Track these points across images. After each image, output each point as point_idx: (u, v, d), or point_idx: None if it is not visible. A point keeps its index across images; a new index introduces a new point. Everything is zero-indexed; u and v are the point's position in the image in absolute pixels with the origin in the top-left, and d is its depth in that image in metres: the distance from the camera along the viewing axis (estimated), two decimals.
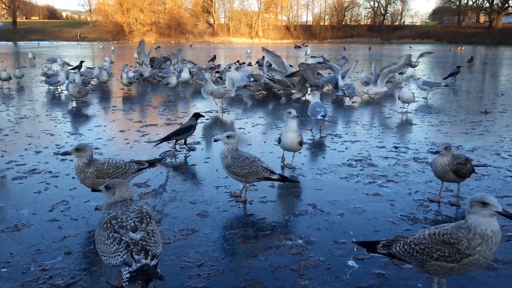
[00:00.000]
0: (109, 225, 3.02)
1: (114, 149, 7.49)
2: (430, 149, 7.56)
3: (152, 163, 5.14)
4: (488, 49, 59.02)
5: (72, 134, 8.61)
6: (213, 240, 4.20)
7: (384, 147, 7.76)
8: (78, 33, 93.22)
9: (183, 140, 7.49)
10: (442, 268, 3.01)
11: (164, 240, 4.15)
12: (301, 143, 6.29)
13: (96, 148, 7.45)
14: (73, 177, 5.87)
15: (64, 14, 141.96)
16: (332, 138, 8.37)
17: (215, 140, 5.10)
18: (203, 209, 4.92)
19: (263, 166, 4.93)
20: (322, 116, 8.49)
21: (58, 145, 7.68)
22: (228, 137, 4.93)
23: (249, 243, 4.15)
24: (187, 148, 7.43)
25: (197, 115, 7.71)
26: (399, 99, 11.25)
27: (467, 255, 2.90)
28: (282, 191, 5.54)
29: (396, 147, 7.68)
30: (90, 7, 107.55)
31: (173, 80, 14.31)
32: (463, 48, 58.44)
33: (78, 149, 4.59)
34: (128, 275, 2.76)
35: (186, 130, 7.26)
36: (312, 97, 9.16)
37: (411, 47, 61.76)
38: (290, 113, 6.16)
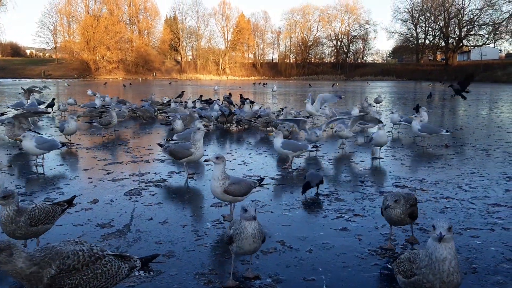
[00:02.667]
0: None
1: (77, 188, 7.25)
2: (381, 206, 7.69)
3: (70, 202, 4.88)
4: (446, 85, 61.69)
5: (32, 174, 8.31)
6: (178, 281, 4.06)
7: (350, 181, 7.85)
8: (43, 71, 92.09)
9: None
10: (401, 282, 3.40)
11: (128, 283, 3.98)
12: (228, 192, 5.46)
13: (58, 188, 7.20)
14: None
15: (28, 51, 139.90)
16: (300, 173, 8.42)
17: (205, 161, 5.35)
18: (169, 249, 4.78)
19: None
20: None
21: (18, 185, 7.39)
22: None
23: (216, 284, 4.04)
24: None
25: None
26: (371, 142, 9.90)
27: (414, 274, 3.22)
28: None
29: (362, 181, 7.78)
30: (56, 44, 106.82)
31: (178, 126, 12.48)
32: (443, 84, 60.11)
33: (5, 197, 4.07)
34: None
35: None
36: (275, 136, 9.04)
37: (369, 84, 64.05)
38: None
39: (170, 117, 14.01)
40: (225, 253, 4.67)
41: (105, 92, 29.96)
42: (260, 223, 3.95)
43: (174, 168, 8.79)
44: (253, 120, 14.33)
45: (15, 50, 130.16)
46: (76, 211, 6.03)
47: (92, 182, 7.68)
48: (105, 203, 6.42)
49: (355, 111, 14.42)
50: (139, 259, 3.49)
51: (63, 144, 9.38)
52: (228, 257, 4.56)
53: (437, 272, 3.06)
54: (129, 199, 6.61)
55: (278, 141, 8.82)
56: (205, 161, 5.17)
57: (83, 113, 16.42)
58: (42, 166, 8.83)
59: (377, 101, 24.64)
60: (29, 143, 8.60)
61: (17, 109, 15.88)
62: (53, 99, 20.90)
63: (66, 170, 8.68)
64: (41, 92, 26.72)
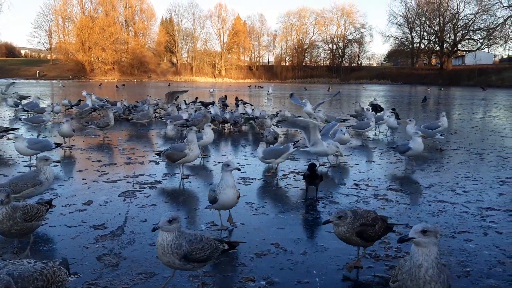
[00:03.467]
0: None
1: (71, 189, 7.22)
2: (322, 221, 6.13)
3: (49, 203, 5.00)
4: (440, 89, 62.10)
5: None
6: (173, 283, 4.05)
7: (345, 184, 7.87)
8: (37, 71, 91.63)
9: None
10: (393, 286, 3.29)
11: (121, 285, 3.97)
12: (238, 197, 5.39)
13: (52, 189, 7.16)
14: None
15: (23, 52, 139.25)
16: (294, 176, 8.42)
17: (154, 230, 3.59)
18: None
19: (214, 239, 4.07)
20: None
21: None
22: (170, 221, 3.59)
23: (210, 286, 4.03)
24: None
25: None
26: (406, 152, 9.14)
27: (396, 280, 3.18)
28: (245, 231, 5.46)
29: (356, 184, 7.80)
30: (51, 45, 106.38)
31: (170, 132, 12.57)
32: (443, 89, 60.07)
33: (8, 195, 4.23)
34: None
35: None
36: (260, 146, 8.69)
37: (364, 87, 64.35)
38: (228, 165, 5.17)
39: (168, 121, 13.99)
40: (219, 256, 4.66)
41: (100, 94, 29.87)
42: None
43: (169, 170, 8.77)
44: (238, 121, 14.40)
45: (10, 51, 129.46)
46: (69, 212, 6.00)
47: (86, 183, 7.64)
48: (99, 205, 6.39)
49: (307, 107, 15.56)
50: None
51: (57, 145, 9.33)
52: (222, 260, 4.55)
53: (414, 279, 2.94)
54: (124, 201, 6.59)
55: (259, 151, 8.55)
56: (154, 230, 3.59)
57: (75, 114, 16.46)
58: (32, 166, 8.77)
59: (372, 104, 24.40)
60: (20, 144, 8.57)
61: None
62: (79, 100, 20.68)
63: (60, 171, 8.63)
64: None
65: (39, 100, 20.71)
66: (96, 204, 6.43)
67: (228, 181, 5.18)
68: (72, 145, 11.53)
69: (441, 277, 2.95)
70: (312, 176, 6.72)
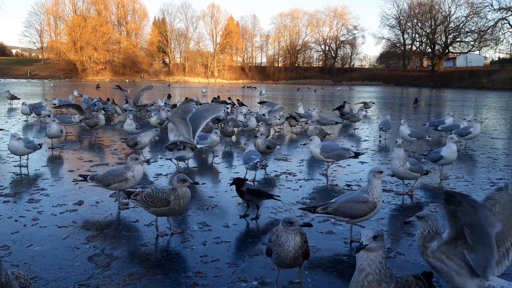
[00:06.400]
0: None
1: (62, 189, 7.17)
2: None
3: None
4: (432, 91, 62.56)
5: (16, 175, 8.19)
6: (164, 284, 4.04)
7: (337, 185, 7.89)
8: (28, 71, 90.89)
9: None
10: None
11: (112, 285, 3.95)
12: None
13: (43, 189, 7.11)
14: (16, 220, 5.57)
15: (14, 51, 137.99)
16: (287, 177, 8.43)
17: (357, 251, 2.82)
18: (154, 251, 4.75)
19: None
20: (257, 162, 7.62)
21: (1, 186, 7.28)
22: (375, 237, 2.82)
23: (202, 286, 4.02)
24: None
25: None
26: (439, 161, 8.24)
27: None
28: (237, 231, 5.46)
29: (348, 185, 7.83)
30: (42, 44, 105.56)
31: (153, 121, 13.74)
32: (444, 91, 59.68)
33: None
34: None
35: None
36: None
37: (352, 89, 64.81)
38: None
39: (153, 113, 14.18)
40: (211, 256, 4.65)
41: (93, 94, 29.71)
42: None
43: (161, 170, 8.75)
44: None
45: (0, 50, 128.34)
46: (60, 213, 5.96)
47: (77, 183, 7.58)
48: (90, 205, 6.36)
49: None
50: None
51: (40, 145, 9.23)
52: (214, 260, 4.55)
53: (356, 282, 2.79)
54: (115, 201, 6.55)
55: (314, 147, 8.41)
56: (357, 251, 2.84)
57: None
58: (27, 166, 8.71)
59: (368, 106, 24.10)
60: (17, 143, 8.46)
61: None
62: (108, 99, 20.47)
63: (52, 171, 8.57)
64: None
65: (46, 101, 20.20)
66: (87, 204, 6.39)
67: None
68: (63, 145, 11.45)
69: (383, 285, 2.77)
70: (238, 191, 5.93)
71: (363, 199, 4.85)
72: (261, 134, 9.25)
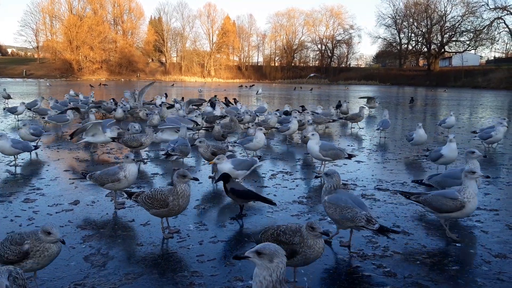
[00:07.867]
0: None
1: (58, 189, 7.15)
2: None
3: None
4: (428, 90, 62.74)
5: (11, 174, 8.16)
6: (160, 283, 4.03)
7: None
8: (24, 70, 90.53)
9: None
10: None
11: (108, 285, 3.94)
12: None
13: (38, 189, 7.08)
14: (11, 220, 5.55)
15: (9, 50, 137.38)
16: (283, 176, 8.43)
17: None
18: (151, 251, 4.74)
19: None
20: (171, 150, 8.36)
21: None
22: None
23: (199, 285, 4.02)
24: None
25: None
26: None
27: None
28: (233, 231, 5.46)
29: (344, 184, 7.83)
30: (38, 44, 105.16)
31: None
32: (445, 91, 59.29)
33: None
34: None
35: None
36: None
37: (347, 88, 65.00)
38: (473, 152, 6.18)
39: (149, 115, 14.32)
40: (208, 255, 4.65)
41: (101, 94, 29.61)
42: None
43: (158, 170, 8.73)
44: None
45: None
46: (56, 212, 5.94)
47: (73, 183, 7.57)
48: (86, 205, 6.34)
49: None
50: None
51: (36, 147, 9.66)
52: (210, 259, 4.55)
53: None
54: (111, 201, 6.53)
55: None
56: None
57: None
58: (15, 166, 8.68)
59: (372, 105, 23.89)
60: (5, 142, 8.45)
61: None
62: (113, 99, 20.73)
63: (47, 171, 8.54)
64: None
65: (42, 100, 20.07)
66: (83, 204, 6.38)
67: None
68: (59, 144, 11.41)
69: None
70: (225, 188, 5.86)
71: (452, 196, 5.07)
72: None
